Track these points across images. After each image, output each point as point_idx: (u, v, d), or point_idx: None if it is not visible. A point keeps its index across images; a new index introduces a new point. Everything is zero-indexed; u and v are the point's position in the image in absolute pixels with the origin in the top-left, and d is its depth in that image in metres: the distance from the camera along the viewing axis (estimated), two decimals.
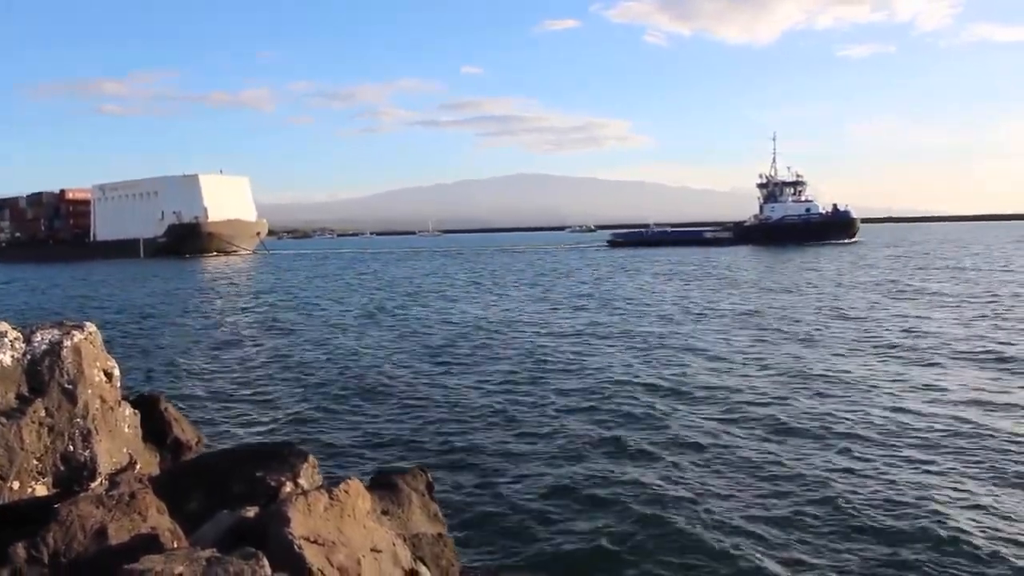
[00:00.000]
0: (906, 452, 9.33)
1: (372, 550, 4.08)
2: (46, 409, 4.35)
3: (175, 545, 3.86)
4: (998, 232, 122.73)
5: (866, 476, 8.47)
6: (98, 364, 4.74)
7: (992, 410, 11.20)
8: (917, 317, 21.95)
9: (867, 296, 28.41)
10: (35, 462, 4.28)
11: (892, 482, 8.31)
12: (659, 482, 8.49)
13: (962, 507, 7.55)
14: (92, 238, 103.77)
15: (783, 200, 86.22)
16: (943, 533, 6.92)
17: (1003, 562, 6.39)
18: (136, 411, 5.23)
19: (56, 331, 4.60)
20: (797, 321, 21.66)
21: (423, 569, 4.56)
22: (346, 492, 4.12)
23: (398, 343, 19.71)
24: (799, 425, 10.64)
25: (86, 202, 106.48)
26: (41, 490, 4.28)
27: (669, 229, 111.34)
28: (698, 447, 9.78)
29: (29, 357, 4.42)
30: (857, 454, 9.27)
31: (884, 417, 10.92)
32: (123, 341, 20.85)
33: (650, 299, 29.81)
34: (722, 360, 15.88)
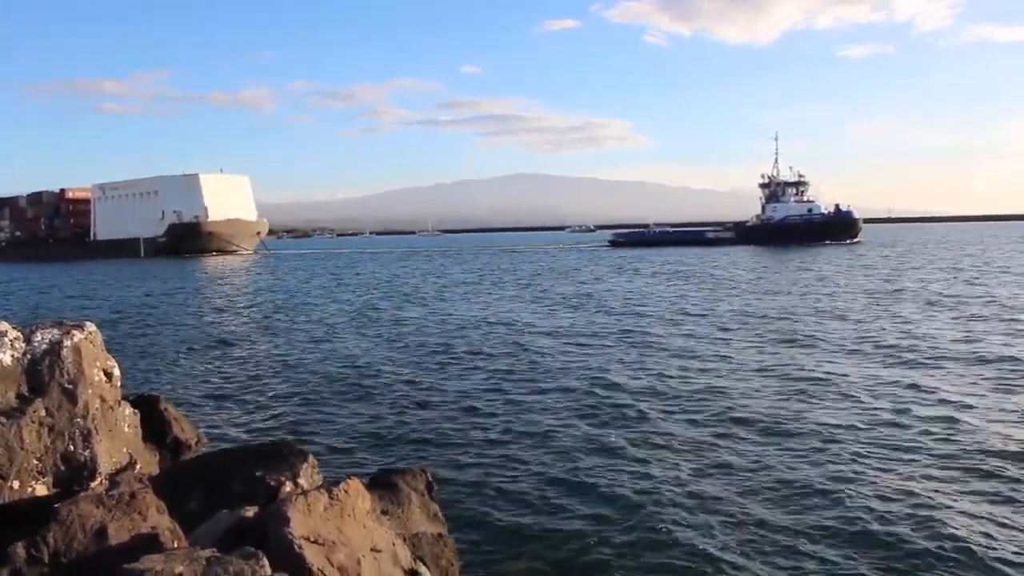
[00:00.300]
0: (900, 454, 9.34)
1: (372, 550, 4.08)
2: (46, 409, 4.35)
3: (175, 545, 3.86)
4: (998, 232, 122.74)
5: (862, 480, 8.46)
6: (98, 364, 4.74)
7: (992, 414, 11.20)
8: (916, 319, 21.97)
9: (867, 297, 28.42)
10: (35, 462, 4.28)
11: (887, 486, 8.31)
12: (658, 483, 8.49)
13: (957, 512, 7.55)
14: (92, 237, 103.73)
15: (785, 200, 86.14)
16: (936, 537, 6.91)
17: (1003, 566, 6.39)
18: (136, 411, 5.23)
19: (56, 331, 4.60)
20: (796, 324, 21.66)
21: (423, 569, 4.56)
22: (346, 492, 4.12)
23: (398, 343, 19.72)
24: (795, 428, 10.64)
25: (86, 201, 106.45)
26: (41, 490, 4.28)
27: (670, 229, 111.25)
28: (696, 449, 9.78)
29: (29, 357, 4.42)
30: (850, 457, 9.26)
31: (879, 420, 10.93)
32: (123, 341, 20.86)
33: (650, 300, 29.82)
34: (723, 363, 15.88)
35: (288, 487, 4.68)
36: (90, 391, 4.56)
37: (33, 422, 4.27)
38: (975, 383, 13.08)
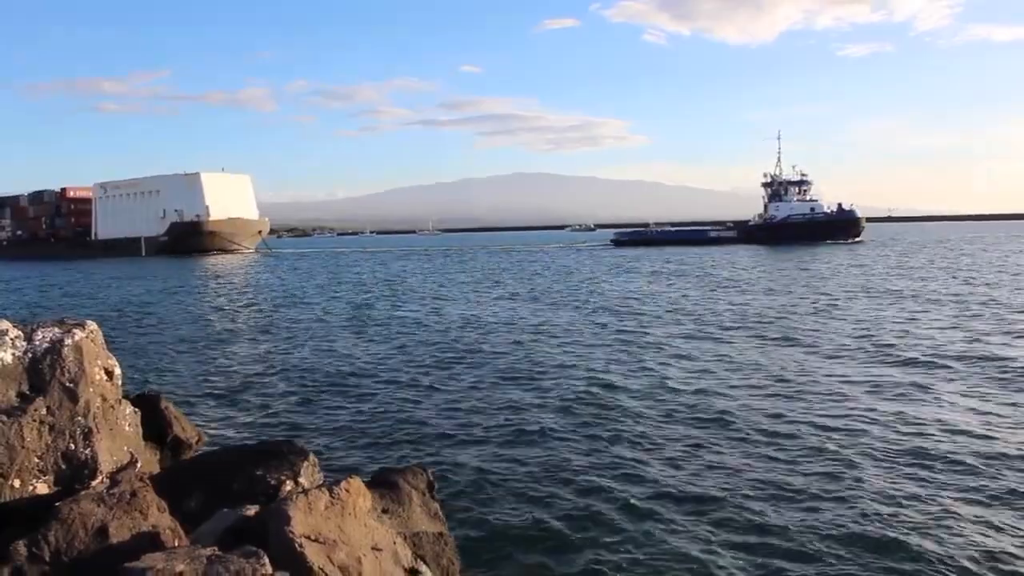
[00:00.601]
0: (898, 455, 9.33)
1: (373, 548, 4.09)
2: (47, 407, 4.36)
3: (176, 543, 3.86)
4: (998, 231, 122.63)
5: (859, 482, 8.45)
6: (99, 362, 4.74)
7: (992, 414, 11.19)
8: (918, 319, 21.95)
9: (868, 297, 28.41)
10: (36, 460, 4.28)
11: (884, 488, 8.30)
12: (658, 483, 8.49)
13: (955, 514, 7.54)
14: (93, 236, 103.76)
15: (788, 199, 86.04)
16: (933, 540, 6.91)
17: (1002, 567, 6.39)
18: (137, 410, 5.23)
19: (57, 329, 4.61)
20: (797, 324, 21.65)
21: (424, 568, 4.56)
22: (347, 491, 4.12)
23: (398, 342, 19.71)
24: (795, 429, 10.64)
25: (87, 200, 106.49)
26: (42, 488, 4.28)
27: (670, 228, 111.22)
28: (696, 449, 9.78)
29: (30, 355, 4.43)
30: (847, 459, 9.25)
31: (877, 422, 10.92)
32: (124, 340, 20.87)
33: (651, 300, 29.82)
34: (724, 364, 15.87)
35: (289, 486, 4.68)
36: (91, 390, 4.57)
37: (34, 420, 4.27)
38: (974, 384, 13.07)
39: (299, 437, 9.71)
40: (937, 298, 26.85)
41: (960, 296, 27.28)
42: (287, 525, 3.67)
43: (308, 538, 3.68)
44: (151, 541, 3.76)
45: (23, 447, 4.19)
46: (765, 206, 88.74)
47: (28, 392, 4.37)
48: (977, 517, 7.29)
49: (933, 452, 9.24)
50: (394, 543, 4.37)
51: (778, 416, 11.13)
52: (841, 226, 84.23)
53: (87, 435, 4.46)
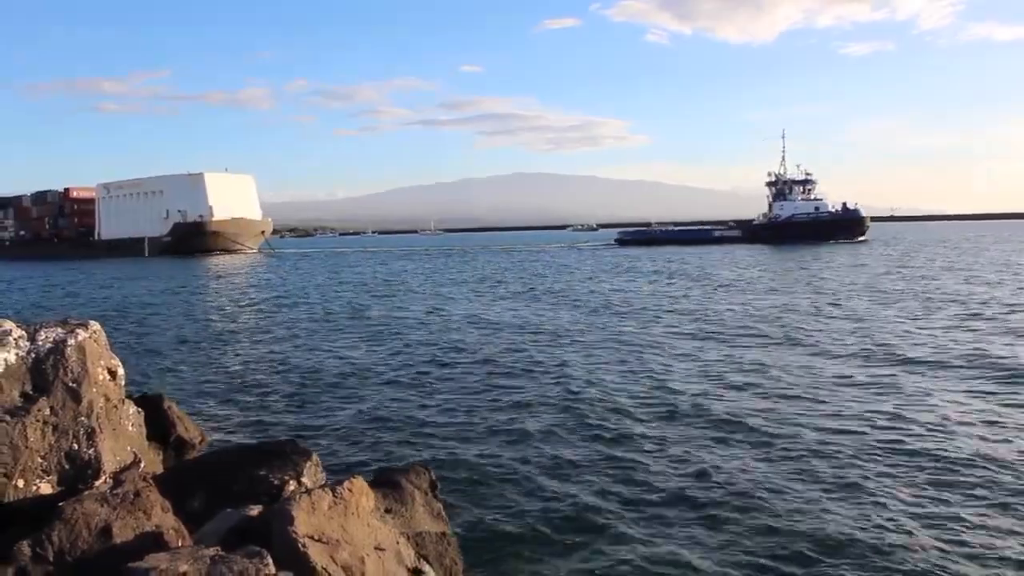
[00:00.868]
0: (897, 457, 9.32)
1: (376, 548, 4.09)
2: (51, 407, 4.36)
3: (179, 543, 3.87)
4: (999, 230, 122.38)
5: (856, 487, 8.45)
6: (102, 363, 4.75)
7: (988, 419, 11.17)
8: (918, 319, 21.91)
9: (870, 297, 28.37)
10: (40, 460, 4.29)
11: (883, 490, 8.29)
12: (658, 482, 8.49)
13: (954, 516, 7.53)
14: (97, 237, 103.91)
15: (792, 199, 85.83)
16: (930, 542, 6.90)
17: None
18: (140, 410, 5.24)
19: (60, 329, 4.61)
20: (799, 325, 21.62)
21: (427, 567, 4.56)
22: (350, 490, 4.13)
23: (401, 342, 19.72)
24: (795, 430, 10.63)
25: (90, 201, 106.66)
26: (46, 488, 4.29)
27: (672, 228, 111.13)
28: (696, 449, 9.77)
29: (34, 355, 4.43)
30: (844, 460, 9.24)
31: (876, 423, 10.90)
32: (127, 340, 20.89)
33: (652, 299, 29.79)
34: (724, 365, 15.86)
35: (292, 486, 4.68)
36: (94, 390, 4.57)
37: (37, 421, 4.28)
38: (976, 384, 13.05)
39: (302, 437, 9.71)
40: (939, 297, 26.81)
41: (960, 295, 27.23)
42: (290, 525, 3.67)
43: (311, 538, 3.68)
44: (155, 541, 3.76)
45: (27, 447, 4.20)
46: (769, 205, 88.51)
47: (31, 392, 4.37)
48: (977, 518, 7.28)
49: (934, 453, 9.22)
50: (397, 543, 4.37)
51: (778, 417, 11.10)
52: (846, 225, 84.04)
53: (90, 435, 4.46)
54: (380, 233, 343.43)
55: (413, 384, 14.24)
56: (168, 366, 17.04)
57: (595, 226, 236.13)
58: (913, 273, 39.02)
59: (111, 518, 3.77)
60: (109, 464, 4.54)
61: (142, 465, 4.81)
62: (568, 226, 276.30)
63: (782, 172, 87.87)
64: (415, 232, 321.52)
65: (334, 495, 4.02)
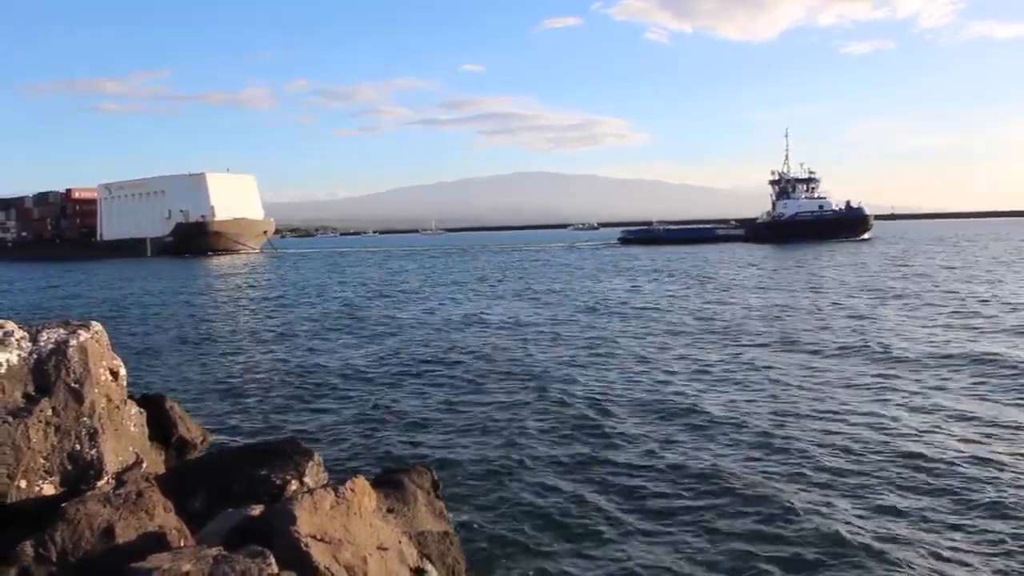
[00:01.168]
0: (892, 458, 9.31)
1: (378, 548, 4.09)
2: (53, 408, 4.36)
3: (182, 543, 3.87)
4: (999, 229, 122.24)
5: (856, 488, 8.44)
6: (104, 363, 4.75)
7: (989, 419, 11.16)
8: (919, 319, 21.90)
9: (872, 296, 28.36)
10: (42, 461, 4.29)
11: (881, 492, 8.29)
12: (658, 481, 8.49)
13: (953, 519, 7.53)
14: (99, 237, 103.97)
15: (796, 197, 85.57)
16: (924, 545, 6.90)
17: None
18: (142, 410, 5.24)
19: (62, 330, 4.61)
20: (801, 325, 21.62)
21: (429, 567, 4.57)
22: (352, 490, 4.13)
23: (402, 342, 19.72)
24: (795, 431, 10.63)
25: (92, 201, 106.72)
26: (48, 489, 4.29)
27: (674, 227, 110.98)
28: (696, 449, 9.78)
29: (36, 356, 4.43)
30: (842, 461, 9.24)
31: (874, 425, 10.90)
32: (129, 340, 20.91)
33: (653, 299, 29.79)
34: (725, 366, 15.85)
35: (294, 485, 4.68)
36: (96, 390, 4.57)
37: (40, 421, 4.28)
38: (975, 384, 13.03)
39: (303, 436, 9.72)
40: (939, 296, 26.78)
41: (960, 293, 27.21)
42: (293, 525, 3.67)
43: (314, 538, 3.69)
44: (157, 541, 3.76)
45: (29, 448, 4.20)
46: (773, 204, 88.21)
47: (33, 393, 4.37)
48: (977, 518, 7.27)
49: (934, 453, 9.21)
50: (399, 542, 4.37)
51: (779, 416, 11.10)
52: (849, 224, 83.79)
53: (92, 436, 4.47)
54: (381, 233, 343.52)
55: (414, 384, 14.25)
56: (170, 366, 17.05)
57: (596, 225, 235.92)
58: (913, 271, 38.98)
59: (114, 518, 3.77)
60: (111, 464, 4.54)
61: (144, 465, 4.81)
62: (569, 225, 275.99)
63: (786, 171, 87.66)
64: (416, 232, 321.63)
65: (336, 495, 4.02)
